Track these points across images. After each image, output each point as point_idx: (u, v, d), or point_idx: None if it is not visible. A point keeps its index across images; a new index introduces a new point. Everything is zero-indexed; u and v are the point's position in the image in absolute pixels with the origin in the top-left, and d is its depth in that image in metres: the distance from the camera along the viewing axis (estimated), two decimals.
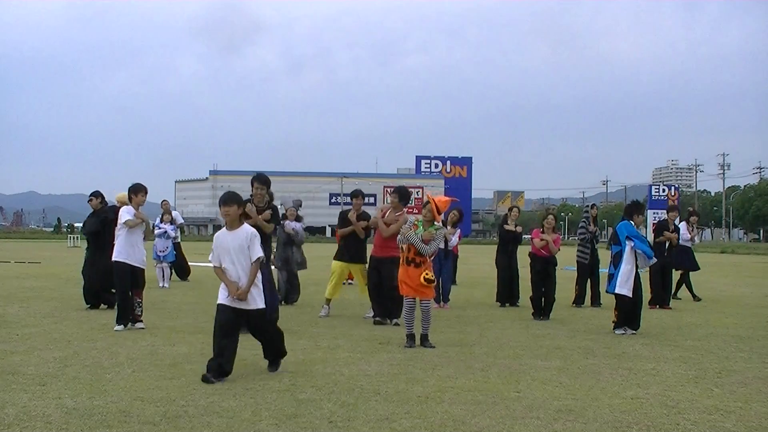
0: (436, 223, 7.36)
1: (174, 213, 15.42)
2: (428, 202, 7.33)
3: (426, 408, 4.76)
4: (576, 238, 12.67)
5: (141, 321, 8.19)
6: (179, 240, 15.87)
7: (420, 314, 7.24)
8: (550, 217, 10.41)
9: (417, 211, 7.94)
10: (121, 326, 8.02)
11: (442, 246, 10.80)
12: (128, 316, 8.12)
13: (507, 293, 11.51)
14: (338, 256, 9.64)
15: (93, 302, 9.96)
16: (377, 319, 8.98)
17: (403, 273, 7.31)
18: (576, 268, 12.00)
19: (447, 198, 7.73)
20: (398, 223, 8.67)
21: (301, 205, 12.01)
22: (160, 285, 13.61)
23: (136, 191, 8.30)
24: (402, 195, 9.05)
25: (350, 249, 9.60)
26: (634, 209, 8.98)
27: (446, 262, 11.26)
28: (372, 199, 71.19)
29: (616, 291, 8.46)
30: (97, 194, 10.15)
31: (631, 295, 8.43)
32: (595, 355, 6.90)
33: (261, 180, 8.15)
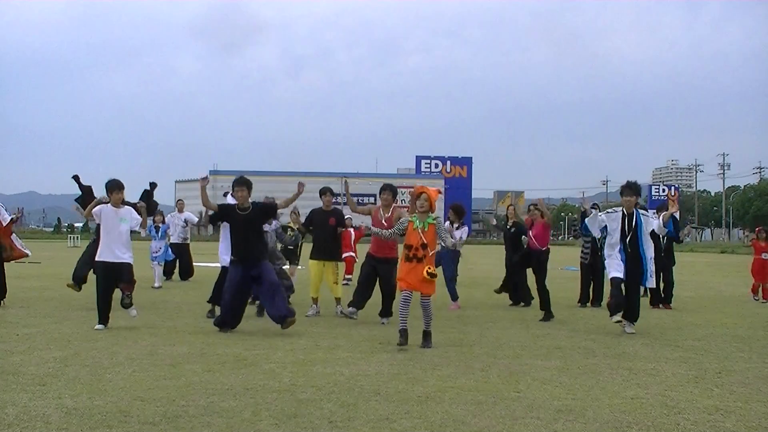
0: (431, 214, 7.25)
1: (186, 214, 15.54)
2: (422, 193, 7.23)
3: (426, 408, 4.76)
4: (573, 237, 12.73)
5: (132, 306, 8.21)
6: (189, 241, 15.95)
7: (417, 311, 7.22)
8: (533, 208, 10.58)
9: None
10: (101, 326, 8.04)
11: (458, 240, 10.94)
12: (106, 315, 8.14)
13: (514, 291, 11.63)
14: (313, 255, 9.75)
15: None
16: (350, 310, 9.12)
17: (402, 270, 7.19)
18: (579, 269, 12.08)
19: (435, 189, 7.48)
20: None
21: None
22: (156, 285, 13.62)
23: (112, 189, 8.31)
24: (394, 192, 9.35)
25: (323, 247, 9.69)
26: (623, 191, 8.60)
27: (452, 259, 11.18)
28: (372, 199, 71.17)
29: (609, 276, 8.48)
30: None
31: (621, 276, 8.34)
32: (595, 355, 6.90)
33: (240, 182, 8.27)
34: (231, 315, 8.08)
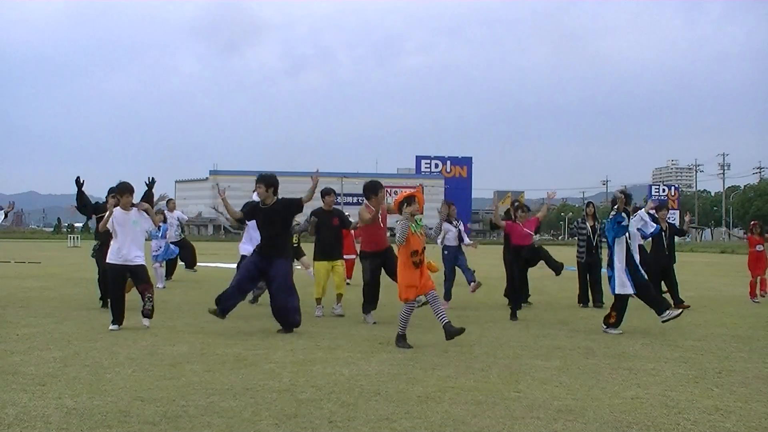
0: (417, 216, 7.29)
1: (177, 213, 15.56)
2: (415, 197, 7.25)
3: (426, 408, 4.76)
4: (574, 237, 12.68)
5: (148, 318, 8.14)
6: (183, 236, 16.01)
7: (429, 307, 7.25)
8: (519, 208, 10.67)
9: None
10: (116, 326, 8.06)
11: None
12: (120, 315, 8.13)
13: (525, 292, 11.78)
14: (319, 256, 9.76)
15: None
16: (369, 317, 9.09)
17: (410, 277, 7.09)
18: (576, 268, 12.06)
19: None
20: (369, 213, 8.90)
21: None
22: (159, 286, 13.62)
23: (121, 192, 8.27)
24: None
25: (326, 247, 9.71)
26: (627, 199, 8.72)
27: (461, 254, 11.61)
28: None
29: (616, 292, 8.48)
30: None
31: (633, 291, 8.44)
32: (595, 355, 6.90)
33: (258, 180, 8.24)
34: (237, 290, 8.20)
